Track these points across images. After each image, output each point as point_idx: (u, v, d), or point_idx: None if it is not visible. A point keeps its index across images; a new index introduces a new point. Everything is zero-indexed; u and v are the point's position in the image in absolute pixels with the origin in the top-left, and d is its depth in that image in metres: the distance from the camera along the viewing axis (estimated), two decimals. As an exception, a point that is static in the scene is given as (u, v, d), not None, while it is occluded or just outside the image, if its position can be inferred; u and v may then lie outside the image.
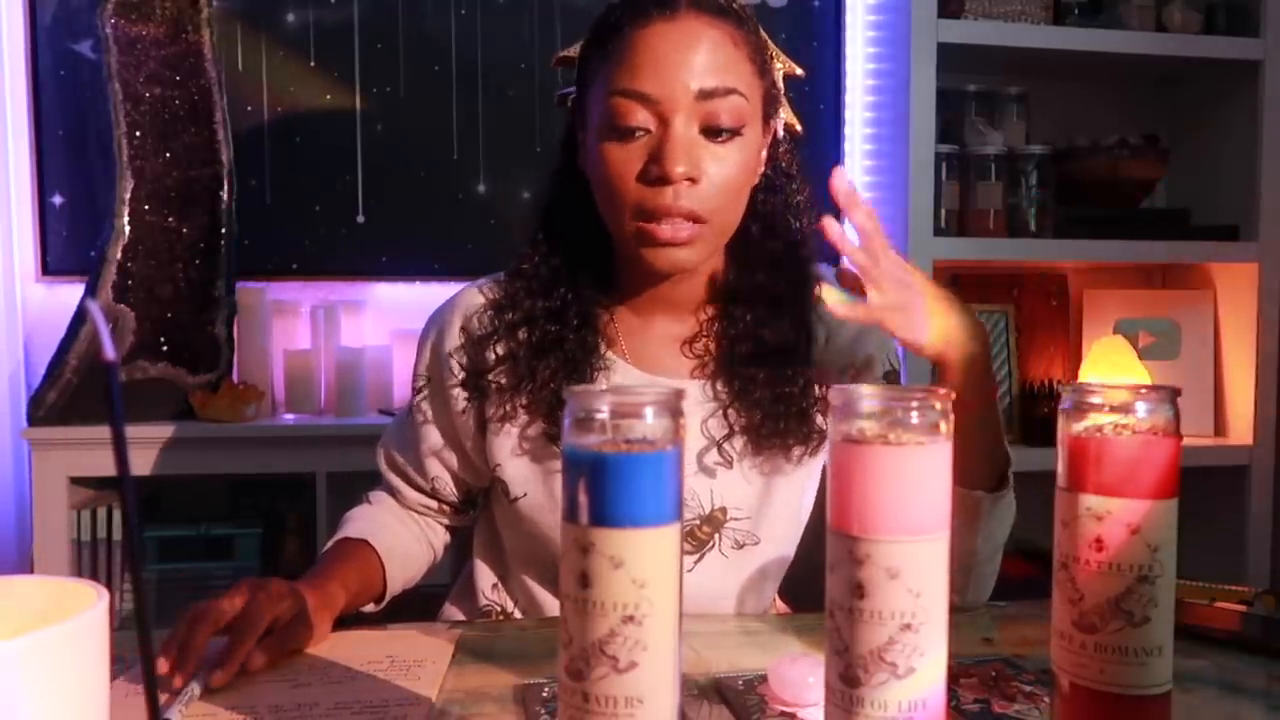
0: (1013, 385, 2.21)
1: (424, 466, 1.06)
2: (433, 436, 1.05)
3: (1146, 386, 0.60)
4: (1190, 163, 2.29)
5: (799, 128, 1.03)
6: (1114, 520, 0.58)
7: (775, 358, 0.97)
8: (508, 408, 0.98)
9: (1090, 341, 2.22)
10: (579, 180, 0.97)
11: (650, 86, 0.88)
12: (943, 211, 2.08)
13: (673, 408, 0.54)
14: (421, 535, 1.09)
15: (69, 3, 2.00)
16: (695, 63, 0.88)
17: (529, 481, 0.99)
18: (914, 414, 0.53)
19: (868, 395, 0.54)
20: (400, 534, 1.06)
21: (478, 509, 1.11)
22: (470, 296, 1.04)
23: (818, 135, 2.25)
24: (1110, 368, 2.01)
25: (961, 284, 2.28)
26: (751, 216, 0.98)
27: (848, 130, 2.27)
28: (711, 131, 0.89)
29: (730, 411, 0.98)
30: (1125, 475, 0.58)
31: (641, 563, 0.52)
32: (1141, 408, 0.59)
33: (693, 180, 0.88)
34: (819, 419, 0.99)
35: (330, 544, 1.02)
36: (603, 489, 0.52)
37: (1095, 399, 0.60)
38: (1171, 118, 2.35)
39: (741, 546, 1.00)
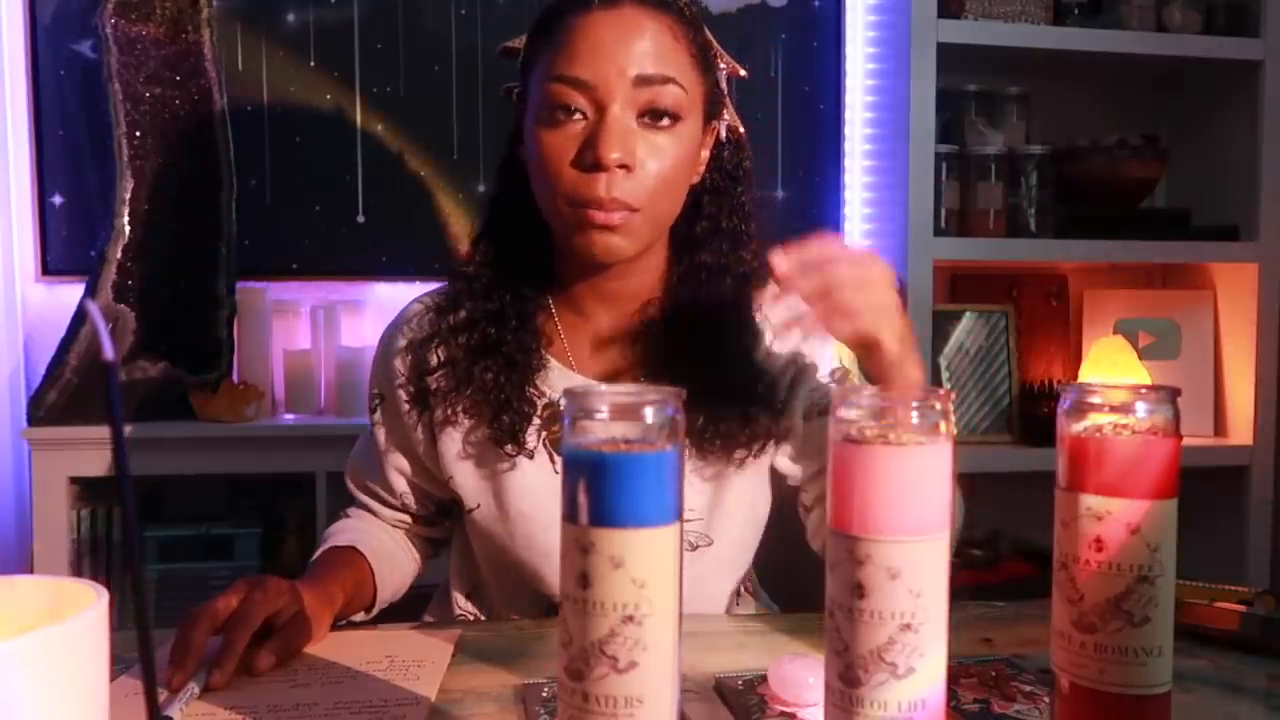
0: (1013, 385, 2.21)
1: (390, 484, 1.06)
2: (392, 453, 1.04)
3: (1146, 386, 0.60)
4: (1190, 163, 2.29)
5: (741, 129, 1.02)
6: (1114, 520, 0.58)
7: (715, 360, 0.96)
8: (449, 412, 0.98)
9: (1090, 341, 2.22)
10: (521, 174, 0.96)
11: (587, 72, 0.87)
12: (943, 211, 2.08)
13: (674, 407, 0.54)
14: (404, 543, 1.09)
15: (69, 3, 2.00)
16: (633, 50, 0.88)
17: (479, 493, 0.99)
18: (914, 414, 0.53)
19: (868, 395, 0.54)
20: (385, 540, 1.06)
21: (452, 518, 1.10)
22: (412, 308, 1.04)
23: (818, 135, 2.26)
24: (1110, 368, 2.01)
25: (961, 284, 2.28)
26: (696, 218, 0.98)
27: (848, 130, 2.27)
28: (650, 115, 0.89)
29: None
30: (1125, 475, 0.58)
31: (641, 563, 0.52)
32: (1141, 408, 0.59)
33: (627, 168, 0.88)
34: (762, 421, 0.98)
35: (318, 554, 1.02)
36: (603, 489, 0.52)
37: (1095, 399, 0.60)
38: (1171, 118, 2.35)
39: (695, 548, 1.00)
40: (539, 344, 0.98)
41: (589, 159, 0.87)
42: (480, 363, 0.96)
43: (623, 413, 0.53)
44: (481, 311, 0.97)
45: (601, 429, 0.53)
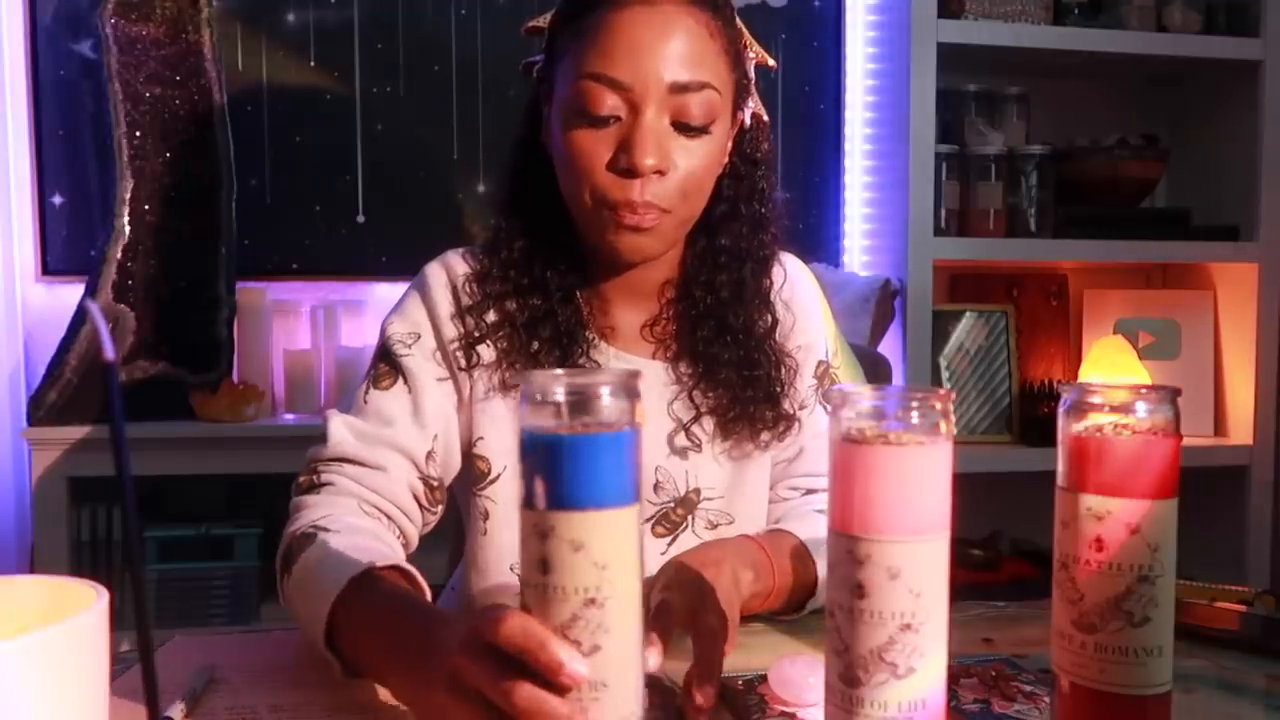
0: (1013, 385, 2.21)
1: (410, 435, 0.93)
2: (422, 399, 0.95)
3: (1146, 386, 0.60)
4: (1190, 163, 2.29)
5: (765, 117, 1.02)
6: (1114, 520, 0.58)
7: (738, 341, 0.97)
8: (500, 378, 0.96)
9: (1090, 341, 2.22)
10: (542, 153, 0.96)
11: (623, 73, 0.86)
12: (943, 211, 2.09)
13: (629, 389, 0.54)
14: (386, 531, 0.95)
15: (69, 3, 2.00)
16: (670, 53, 0.87)
17: (510, 453, 0.96)
18: (914, 414, 0.53)
19: (868, 395, 0.54)
20: (398, 553, 0.90)
21: (443, 508, 1.00)
22: (455, 262, 1.00)
23: (818, 135, 2.26)
24: (1110, 368, 2.01)
25: (961, 284, 2.28)
26: (717, 202, 0.97)
27: (848, 130, 2.27)
28: (682, 127, 0.89)
29: (695, 393, 0.98)
30: (1125, 475, 0.58)
31: (602, 545, 0.51)
32: (1141, 408, 0.59)
33: (661, 172, 0.88)
34: (786, 404, 0.99)
35: (359, 574, 0.76)
36: (560, 471, 0.51)
37: (1095, 399, 0.60)
38: (1171, 118, 2.35)
39: (715, 526, 1.00)
40: (583, 320, 0.98)
41: (624, 164, 0.87)
42: (534, 333, 0.95)
43: (579, 394, 0.53)
44: (525, 284, 0.96)
45: (559, 412, 0.53)
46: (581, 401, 0.53)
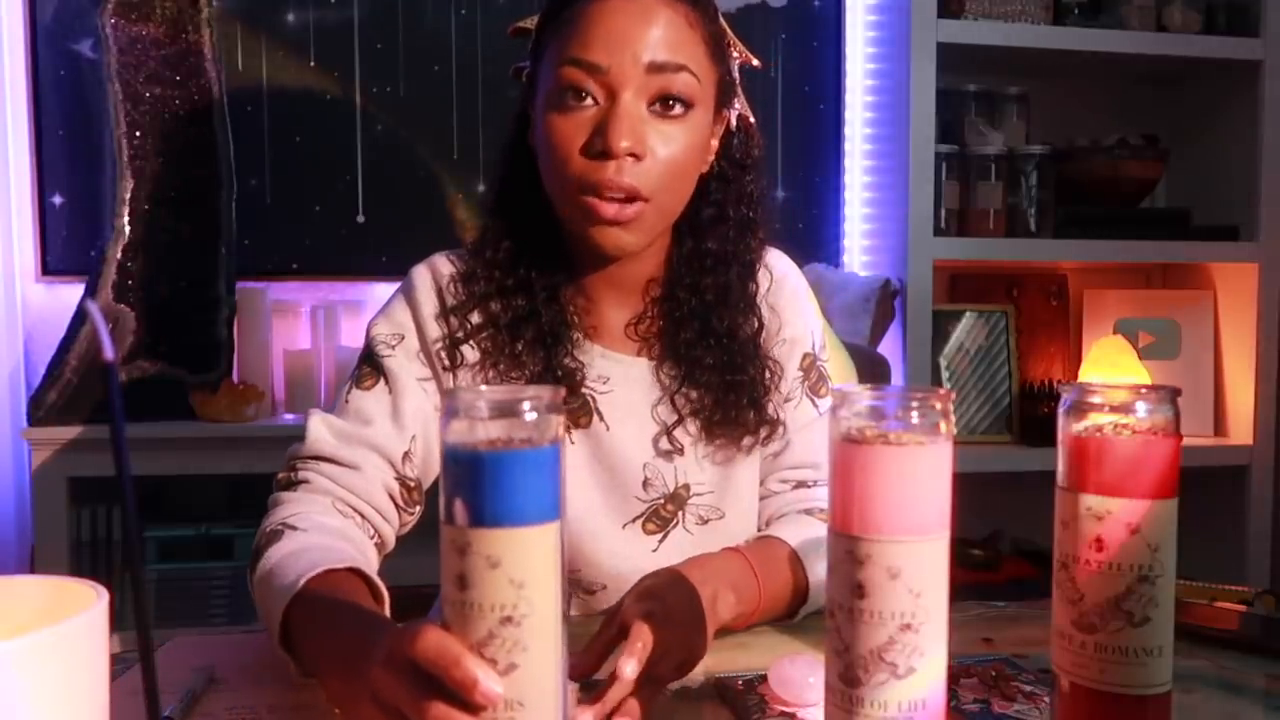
0: (1013, 385, 2.21)
1: (387, 435, 0.94)
2: (402, 400, 0.96)
3: (1146, 386, 0.60)
4: (1190, 163, 2.29)
5: (752, 119, 1.02)
6: (1114, 520, 0.58)
7: (722, 342, 0.97)
8: (484, 378, 0.96)
9: (1090, 341, 2.22)
10: (530, 156, 0.96)
11: (600, 57, 0.87)
12: (943, 211, 2.09)
13: (552, 405, 0.53)
14: (359, 534, 0.92)
15: (69, 3, 2.00)
16: (647, 37, 0.88)
17: None
18: (914, 414, 0.53)
19: (868, 395, 0.54)
20: (368, 553, 0.91)
21: (420, 509, 0.99)
22: (441, 264, 1.00)
23: (818, 135, 2.26)
24: (1110, 368, 2.01)
25: (961, 284, 2.28)
26: (702, 204, 0.98)
27: (848, 130, 2.27)
28: (661, 102, 0.89)
29: (678, 397, 0.98)
30: (1125, 475, 0.58)
31: (519, 562, 0.51)
32: (1141, 408, 0.59)
33: (636, 156, 0.88)
34: (770, 409, 1.00)
35: (313, 574, 0.75)
36: (478, 488, 0.51)
37: (1095, 399, 0.60)
38: (1171, 118, 2.35)
39: (706, 522, 1.00)
40: (568, 319, 0.98)
41: (599, 146, 0.87)
42: (518, 333, 0.95)
43: (499, 411, 0.52)
44: (510, 285, 0.96)
45: (478, 428, 0.52)
46: (501, 417, 0.52)
